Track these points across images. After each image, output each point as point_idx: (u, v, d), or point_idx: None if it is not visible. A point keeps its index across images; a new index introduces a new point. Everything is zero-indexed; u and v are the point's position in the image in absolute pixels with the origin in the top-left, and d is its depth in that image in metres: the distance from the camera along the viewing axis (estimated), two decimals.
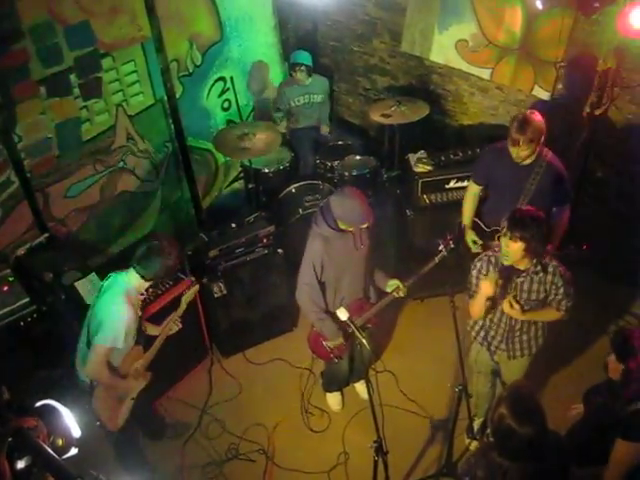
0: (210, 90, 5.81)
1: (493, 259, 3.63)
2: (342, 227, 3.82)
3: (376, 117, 5.48)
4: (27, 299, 4.17)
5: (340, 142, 5.92)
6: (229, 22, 5.69)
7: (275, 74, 6.37)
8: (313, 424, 4.77)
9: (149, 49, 4.99)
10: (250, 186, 5.65)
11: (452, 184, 5.10)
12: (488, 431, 2.96)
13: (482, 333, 3.94)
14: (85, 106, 4.79)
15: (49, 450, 2.31)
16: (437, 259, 3.95)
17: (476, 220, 4.67)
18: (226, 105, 6.03)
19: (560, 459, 2.80)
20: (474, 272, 3.70)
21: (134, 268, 3.56)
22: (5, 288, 4.19)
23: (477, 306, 3.63)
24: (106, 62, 4.81)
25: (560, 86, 5.15)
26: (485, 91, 5.73)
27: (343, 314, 3.51)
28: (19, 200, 4.56)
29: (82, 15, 4.51)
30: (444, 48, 5.67)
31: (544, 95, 5.24)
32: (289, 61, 6.02)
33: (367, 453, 3.58)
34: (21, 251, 4.44)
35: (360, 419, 4.67)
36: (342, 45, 6.56)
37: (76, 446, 2.50)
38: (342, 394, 4.92)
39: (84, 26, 4.55)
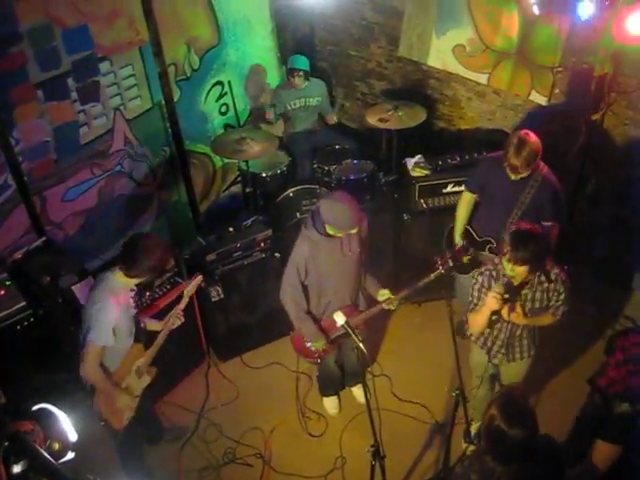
0: (208, 94, 5.82)
1: (494, 273, 3.64)
2: (330, 232, 3.80)
3: (373, 121, 5.49)
4: (24, 303, 4.16)
5: (337, 146, 5.93)
6: (227, 26, 5.71)
7: (272, 78, 6.38)
8: (310, 428, 4.77)
9: (147, 53, 5.01)
10: (248, 190, 5.64)
11: (449, 188, 5.11)
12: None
13: (482, 338, 3.95)
14: (83, 110, 4.79)
15: (45, 454, 2.30)
16: (433, 276, 3.88)
17: (468, 228, 4.67)
18: (224, 109, 6.04)
19: (553, 463, 2.80)
20: (476, 286, 3.70)
21: (119, 266, 3.58)
22: (2, 292, 4.18)
23: (481, 320, 3.61)
24: (104, 66, 4.82)
25: (557, 91, 5.16)
26: (482, 96, 5.74)
27: (340, 318, 3.50)
28: (16, 204, 4.56)
29: (80, 19, 4.52)
30: (441, 53, 5.69)
31: (541, 100, 5.25)
32: (286, 65, 6.03)
33: (364, 457, 3.58)
34: (18, 255, 4.42)
35: (357, 423, 4.67)
36: (339, 49, 6.57)
37: (72, 450, 2.50)
38: (339, 398, 4.92)
39: (82, 30, 4.56)
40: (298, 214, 5.23)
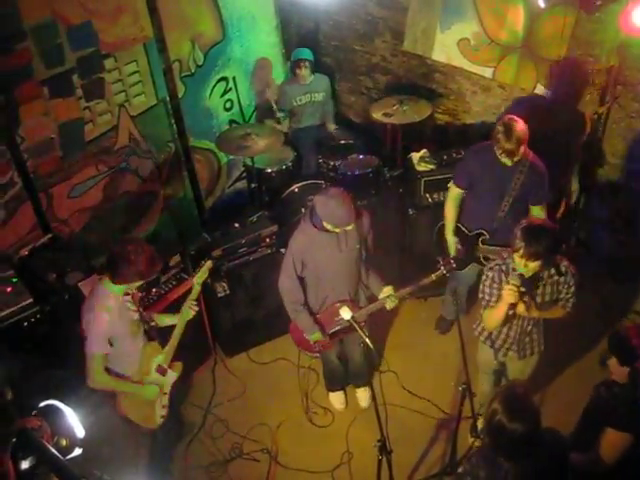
0: (212, 90, 5.81)
1: (504, 267, 3.63)
2: (327, 227, 3.80)
3: (378, 116, 5.48)
4: (30, 300, 4.17)
5: (342, 141, 5.92)
6: (231, 22, 5.69)
7: (277, 73, 6.37)
8: (317, 423, 4.77)
9: (151, 49, 5.00)
10: (253, 186, 5.65)
11: None
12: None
13: (485, 332, 3.94)
14: (88, 107, 4.79)
15: (53, 450, 2.32)
16: (434, 276, 3.91)
17: (458, 225, 4.65)
18: (228, 105, 6.03)
19: (559, 457, 2.80)
20: (487, 282, 3.69)
21: (106, 275, 3.55)
22: (9, 289, 4.19)
23: (498, 315, 3.59)
24: (108, 63, 4.82)
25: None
26: (487, 90, 5.72)
27: (346, 313, 3.50)
28: (22, 201, 4.57)
29: (85, 15, 4.52)
30: (446, 47, 5.67)
31: (546, 93, 5.23)
32: (291, 59, 6.01)
33: (371, 452, 3.59)
34: (24, 252, 4.43)
35: (363, 418, 4.68)
36: (344, 44, 6.56)
37: (80, 446, 2.51)
38: (345, 393, 4.92)
39: (87, 27, 4.56)
40: (303, 210, 5.22)
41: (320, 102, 6.09)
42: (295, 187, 5.44)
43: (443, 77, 5.98)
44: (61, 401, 2.56)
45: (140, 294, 3.96)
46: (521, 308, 3.56)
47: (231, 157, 6.13)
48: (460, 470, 2.98)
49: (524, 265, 3.39)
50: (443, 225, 4.72)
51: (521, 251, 3.34)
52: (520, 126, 4.02)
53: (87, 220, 5.09)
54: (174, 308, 4.21)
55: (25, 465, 2.24)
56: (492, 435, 2.70)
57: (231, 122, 6.09)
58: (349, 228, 3.79)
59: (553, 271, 3.56)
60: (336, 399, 4.89)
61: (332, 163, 5.50)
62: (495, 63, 5.44)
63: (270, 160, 5.62)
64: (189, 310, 4.02)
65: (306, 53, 5.85)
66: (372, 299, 4.21)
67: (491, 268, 3.69)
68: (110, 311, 3.52)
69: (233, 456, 4.58)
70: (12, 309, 4.11)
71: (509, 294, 3.43)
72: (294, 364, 5.05)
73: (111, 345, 3.56)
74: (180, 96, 5.33)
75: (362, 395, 4.85)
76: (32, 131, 4.48)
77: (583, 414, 3.50)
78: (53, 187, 4.77)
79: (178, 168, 5.68)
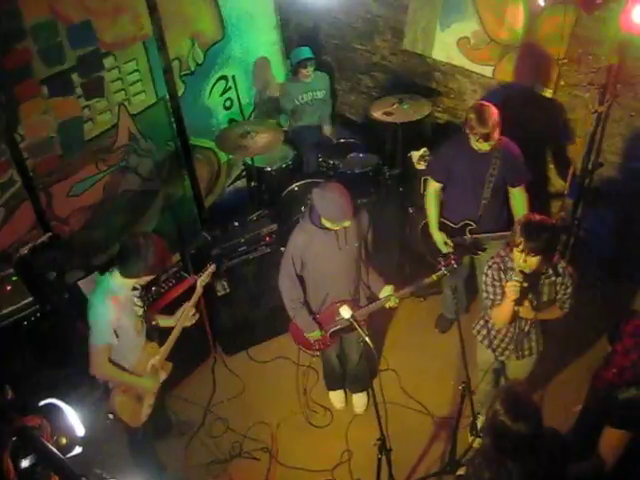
0: (212, 89, 5.80)
1: (502, 264, 3.63)
2: (326, 224, 3.79)
3: (378, 115, 5.48)
4: (30, 298, 4.17)
5: (342, 140, 5.92)
6: (231, 21, 5.69)
7: (277, 72, 6.37)
8: (316, 422, 4.78)
9: (151, 48, 4.99)
10: (253, 184, 5.65)
11: None
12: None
13: (483, 331, 3.94)
14: (87, 105, 4.79)
15: (53, 449, 2.31)
16: (435, 277, 3.91)
17: (442, 220, 4.65)
18: (228, 104, 6.03)
19: (560, 456, 2.81)
20: (488, 281, 3.69)
21: (116, 268, 3.57)
22: (8, 288, 4.19)
23: (506, 311, 3.58)
24: (108, 61, 4.81)
25: (562, 83, 5.14)
26: (487, 88, 5.71)
27: (346, 312, 3.50)
28: (22, 199, 4.56)
29: (84, 14, 4.52)
30: (446, 46, 5.67)
31: (546, 92, 5.22)
32: (292, 59, 6.00)
33: (371, 451, 3.59)
34: (24, 250, 4.43)
35: (363, 417, 4.69)
36: (344, 43, 6.55)
37: (80, 445, 2.51)
38: (345, 392, 4.91)
39: (86, 25, 4.55)
40: (303, 208, 5.22)
41: (321, 100, 6.09)
42: (295, 186, 5.44)
43: (443, 76, 5.97)
44: (61, 399, 2.55)
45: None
46: (525, 305, 3.56)
47: (231, 156, 6.13)
48: (463, 473, 2.98)
49: (524, 260, 3.38)
50: (426, 224, 4.71)
51: (521, 246, 3.34)
52: (492, 109, 4.07)
53: (87, 219, 5.09)
54: (173, 307, 4.21)
55: (25, 464, 2.24)
56: (496, 436, 2.70)
57: (231, 121, 6.08)
58: (347, 224, 3.78)
59: (550, 271, 3.56)
60: (336, 398, 4.89)
61: (332, 162, 5.50)
62: (495, 62, 5.43)
63: (270, 159, 5.62)
64: (187, 318, 4.04)
65: (307, 52, 5.85)
66: (372, 298, 4.21)
67: (490, 266, 3.69)
68: (118, 303, 3.54)
69: (233, 455, 4.58)
70: (12, 308, 4.11)
71: (511, 290, 3.43)
72: (294, 363, 5.07)
73: (117, 336, 3.57)
74: (180, 94, 5.33)
75: (358, 401, 4.83)
76: (32, 129, 4.48)
77: (582, 414, 3.51)
78: (53, 186, 4.76)
79: (178, 167, 5.68)
